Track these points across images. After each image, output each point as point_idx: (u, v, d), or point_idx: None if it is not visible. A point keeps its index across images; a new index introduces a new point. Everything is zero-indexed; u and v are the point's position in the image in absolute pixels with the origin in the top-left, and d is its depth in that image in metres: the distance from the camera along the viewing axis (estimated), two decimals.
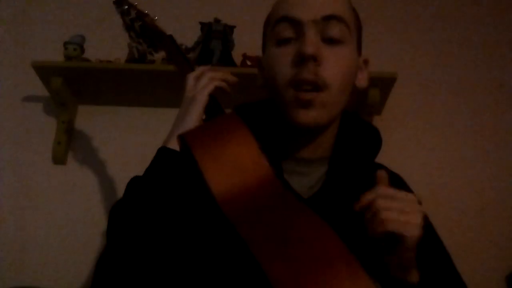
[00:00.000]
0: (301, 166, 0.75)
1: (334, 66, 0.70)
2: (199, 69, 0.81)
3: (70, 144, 1.60)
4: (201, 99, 0.76)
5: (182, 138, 0.62)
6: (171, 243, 0.59)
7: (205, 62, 1.50)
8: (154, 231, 0.60)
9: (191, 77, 0.80)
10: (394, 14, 1.73)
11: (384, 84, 1.42)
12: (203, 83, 0.78)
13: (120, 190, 1.49)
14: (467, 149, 1.58)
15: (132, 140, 1.58)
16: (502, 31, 1.74)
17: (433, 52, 1.70)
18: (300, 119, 0.70)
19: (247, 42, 1.61)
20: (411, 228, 0.56)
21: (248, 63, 1.54)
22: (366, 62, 0.81)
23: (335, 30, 0.71)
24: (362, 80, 0.80)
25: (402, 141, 1.53)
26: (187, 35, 1.57)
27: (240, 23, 1.62)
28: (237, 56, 1.56)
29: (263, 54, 0.81)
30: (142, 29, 0.90)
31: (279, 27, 0.73)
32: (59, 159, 1.56)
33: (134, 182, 0.70)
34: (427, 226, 0.77)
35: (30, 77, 1.55)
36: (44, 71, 1.48)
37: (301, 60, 0.68)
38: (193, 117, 0.74)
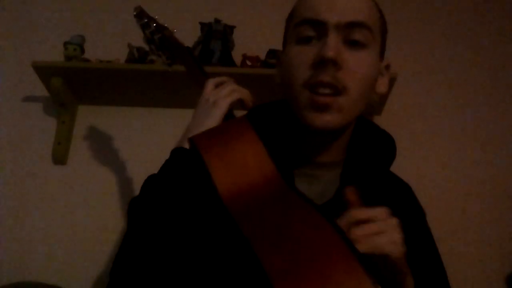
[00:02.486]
0: (313, 169, 0.75)
1: (354, 70, 0.69)
2: (220, 78, 0.82)
3: (70, 144, 1.60)
4: (223, 106, 0.76)
5: (191, 140, 0.65)
6: (184, 240, 0.61)
7: (205, 62, 1.50)
8: (170, 228, 0.61)
9: (210, 82, 0.80)
10: (393, 14, 1.73)
11: None
12: (226, 91, 0.78)
13: (120, 190, 1.50)
14: (467, 149, 1.58)
15: (132, 140, 1.58)
16: (502, 30, 1.74)
17: (433, 52, 1.71)
18: (315, 123, 0.69)
19: (247, 42, 1.61)
20: (393, 247, 0.56)
21: (248, 63, 1.54)
22: (388, 67, 0.80)
23: (358, 35, 0.70)
24: (382, 86, 0.78)
25: (402, 141, 1.52)
26: (187, 35, 1.57)
27: (240, 23, 1.62)
28: (237, 56, 1.57)
29: (283, 50, 0.80)
30: (161, 41, 0.91)
31: (302, 27, 0.72)
32: (59, 159, 1.56)
33: (151, 181, 0.70)
34: (424, 228, 0.78)
35: (30, 77, 1.56)
36: (44, 71, 1.48)
37: (321, 62, 0.68)
38: (213, 122, 0.74)
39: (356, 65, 0.69)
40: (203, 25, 1.59)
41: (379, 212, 0.59)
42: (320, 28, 0.70)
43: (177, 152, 0.71)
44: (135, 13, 0.92)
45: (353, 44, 0.70)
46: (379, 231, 0.57)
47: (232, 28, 1.59)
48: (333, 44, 0.67)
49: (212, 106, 0.76)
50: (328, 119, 0.69)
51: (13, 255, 1.46)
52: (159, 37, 0.91)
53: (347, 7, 0.70)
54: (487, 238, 1.48)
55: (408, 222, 0.73)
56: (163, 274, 0.58)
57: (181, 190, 0.65)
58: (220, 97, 0.77)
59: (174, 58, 0.93)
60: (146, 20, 0.92)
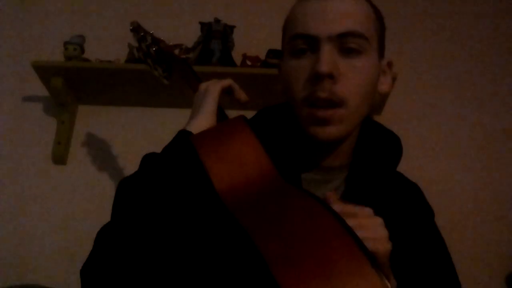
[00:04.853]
0: (321, 174, 0.75)
1: (351, 81, 0.69)
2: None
3: (70, 144, 1.60)
4: (215, 89, 0.78)
5: (188, 140, 0.67)
6: (179, 232, 0.60)
7: (205, 62, 1.50)
8: (161, 211, 0.61)
9: (203, 84, 0.82)
10: (393, 14, 1.73)
11: None
12: (216, 80, 0.81)
13: None
14: (467, 149, 1.58)
15: (132, 140, 1.58)
16: (502, 29, 1.74)
17: (433, 52, 1.71)
18: (318, 136, 0.70)
19: (247, 42, 1.61)
20: (379, 242, 0.56)
21: (248, 63, 1.54)
22: (390, 64, 0.79)
23: (352, 44, 0.69)
24: (384, 85, 0.78)
25: (401, 141, 1.53)
26: (187, 35, 1.58)
27: (240, 23, 1.62)
28: (237, 56, 1.57)
29: (282, 58, 0.80)
30: (157, 54, 0.93)
31: (295, 41, 0.72)
32: (59, 159, 1.56)
33: (149, 160, 0.70)
34: (432, 227, 0.78)
35: (30, 77, 1.56)
36: (44, 71, 1.49)
37: (316, 78, 0.67)
38: (208, 107, 0.76)
39: (354, 74, 0.69)
40: (203, 25, 1.59)
41: (364, 210, 0.58)
42: (313, 42, 0.69)
43: (182, 134, 0.72)
44: (131, 28, 0.94)
45: (349, 52, 0.69)
46: (364, 226, 0.56)
47: (232, 28, 1.59)
48: (327, 58, 0.67)
49: (205, 92, 0.78)
50: (330, 131, 0.69)
51: (12, 255, 1.46)
52: (155, 50, 0.92)
53: (337, 18, 0.69)
54: (487, 238, 1.48)
55: (415, 222, 0.72)
56: (157, 268, 0.57)
57: (177, 185, 0.65)
58: (211, 83, 0.80)
59: (171, 71, 0.94)
60: (142, 34, 0.93)
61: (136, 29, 0.94)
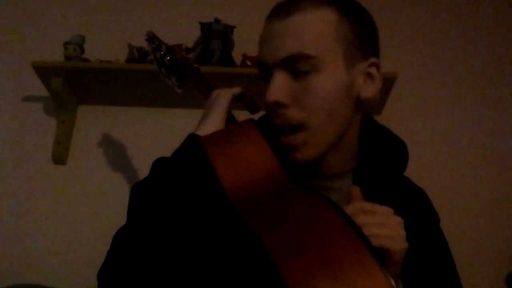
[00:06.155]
0: (323, 181, 0.75)
1: (308, 102, 0.68)
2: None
3: (70, 144, 1.60)
4: (226, 96, 0.79)
5: (198, 143, 0.68)
6: (188, 231, 0.61)
7: (205, 62, 1.50)
8: (174, 214, 0.62)
9: (215, 91, 0.83)
10: (394, 14, 1.73)
11: (384, 84, 1.41)
12: (228, 88, 0.82)
13: (121, 190, 1.50)
14: (467, 149, 1.58)
15: (132, 140, 1.58)
16: (502, 29, 1.74)
17: (433, 52, 1.71)
18: (292, 159, 0.70)
19: (247, 42, 1.61)
20: (397, 241, 0.57)
21: (248, 63, 1.54)
22: (375, 65, 0.74)
23: (300, 66, 0.68)
24: (368, 90, 0.73)
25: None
26: (187, 35, 1.58)
27: (240, 23, 1.62)
28: (237, 56, 1.57)
29: None
30: (171, 63, 0.94)
31: (258, 68, 0.74)
32: (59, 159, 1.56)
33: (160, 164, 0.71)
34: (437, 234, 0.78)
35: (30, 77, 1.56)
36: (44, 71, 1.48)
37: (268, 106, 0.69)
38: (218, 113, 0.76)
39: (309, 95, 0.68)
40: (203, 25, 1.59)
41: (384, 208, 0.60)
42: (266, 68, 0.71)
43: (192, 138, 0.72)
44: (146, 37, 0.96)
45: (299, 74, 0.68)
46: (383, 223, 0.57)
47: (232, 28, 1.59)
48: (275, 86, 0.68)
49: (215, 99, 0.79)
50: (297, 156, 0.70)
51: (13, 256, 1.46)
52: (169, 59, 0.94)
53: (281, 41, 0.68)
54: (487, 238, 1.48)
55: (421, 227, 0.72)
56: (165, 265, 0.58)
57: (188, 188, 0.66)
58: (223, 91, 0.81)
59: (184, 80, 0.96)
60: (157, 43, 0.95)
61: (151, 38, 0.96)
